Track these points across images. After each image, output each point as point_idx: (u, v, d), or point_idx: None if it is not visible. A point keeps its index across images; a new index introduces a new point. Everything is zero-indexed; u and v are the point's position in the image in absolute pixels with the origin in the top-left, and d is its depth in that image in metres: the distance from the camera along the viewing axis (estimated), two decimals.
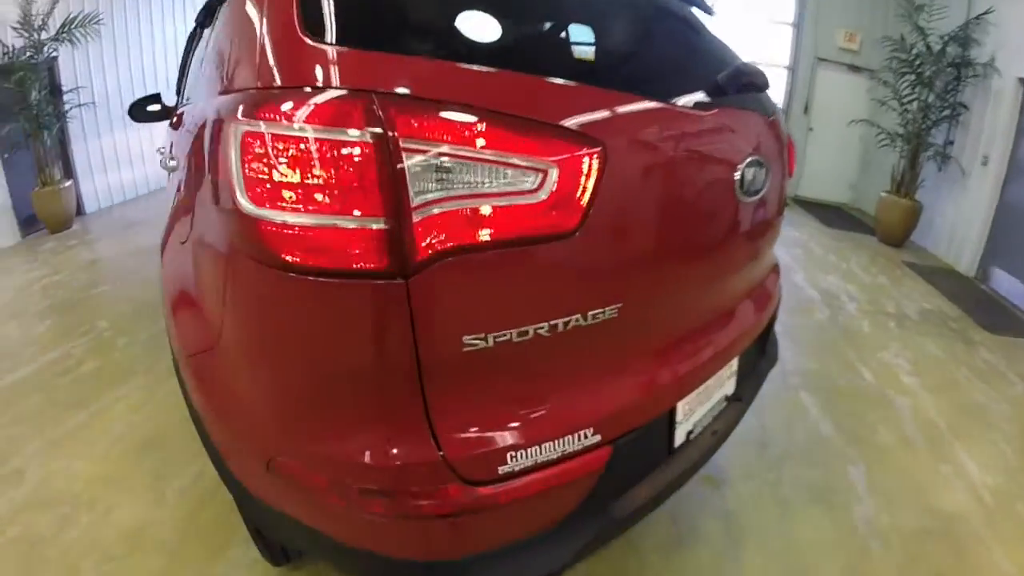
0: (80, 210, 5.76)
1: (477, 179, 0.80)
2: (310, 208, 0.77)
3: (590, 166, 0.89)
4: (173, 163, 1.68)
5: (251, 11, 1.00)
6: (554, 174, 0.85)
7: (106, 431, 2.31)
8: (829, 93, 6.52)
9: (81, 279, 4.18)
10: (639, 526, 1.79)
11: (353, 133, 0.75)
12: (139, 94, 5.91)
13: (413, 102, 0.79)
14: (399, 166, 0.76)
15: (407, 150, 0.76)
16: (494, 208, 0.82)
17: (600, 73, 1.08)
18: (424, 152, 0.77)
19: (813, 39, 6.41)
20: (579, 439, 0.97)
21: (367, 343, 0.82)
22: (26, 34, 4.87)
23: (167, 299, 1.46)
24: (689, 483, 1.92)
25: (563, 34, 1.14)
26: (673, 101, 1.08)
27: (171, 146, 1.89)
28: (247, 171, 0.80)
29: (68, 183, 5.40)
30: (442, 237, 0.79)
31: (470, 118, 0.80)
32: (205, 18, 1.84)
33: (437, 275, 0.80)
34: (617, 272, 1.00)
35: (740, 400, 1.48)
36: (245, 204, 0.81)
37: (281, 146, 0.77)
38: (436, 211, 0.79)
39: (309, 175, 0.76)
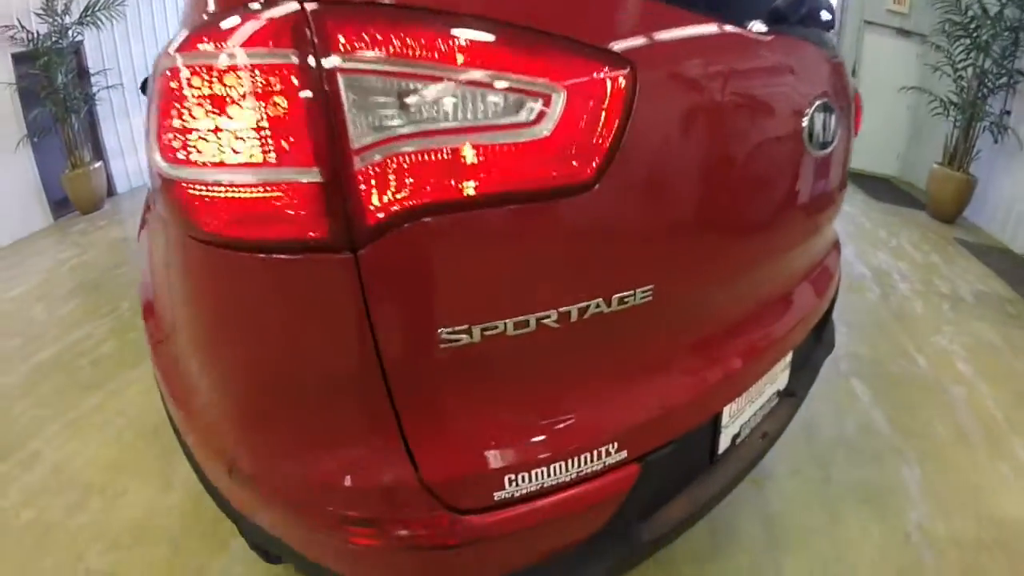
0: (111, 191, 5.80)
1: (448, 109, 0.57)
2: (228, 160, 0.58)
3: (614, 93, 0.64)
4: None
5: None
6: (560, 102, 0.61)
7: (120, 413, 2.28)
8: (876, 58, 6.06)
9: (107, 260, 4.19)
10: None
11: (269, 55, 0.55)
12: None
13: (357, 10, 0.57)
14: (334, 94, 0.55)
15: (346, 71, 0.55)
16: (476, 149, 0.59)
17: None
18: (369, 73, 0.55)
19: (860, 1, 5.95)
20: (599, 457, 0.77)
21: (310, 336, 0.64)
22: (50, 19, 4.84)
23: (141, 286, 1.32)
24: None
25: None
26: (727, 22, 0.82)
27: None
28: (162, 119, 0.62)
29: (98, 164, 5.43)
30: (403, 192, 0.58)
31: (435, 26, 0.57)
32: None
33: (399, 245, 0.59)
34: (650, 241, 0.74)
35: (793, 396, 1.27)
36: (160, 161, 0.64)
37: (191, 83, 0.58)
38: (392, 156, 0.57)
39: (223, 117, 0.57)
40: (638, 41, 0.68)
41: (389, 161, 0.57)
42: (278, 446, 0.73)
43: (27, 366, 2.74)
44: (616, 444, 0.78)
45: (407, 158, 0.57)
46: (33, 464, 2.04)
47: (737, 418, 1.06)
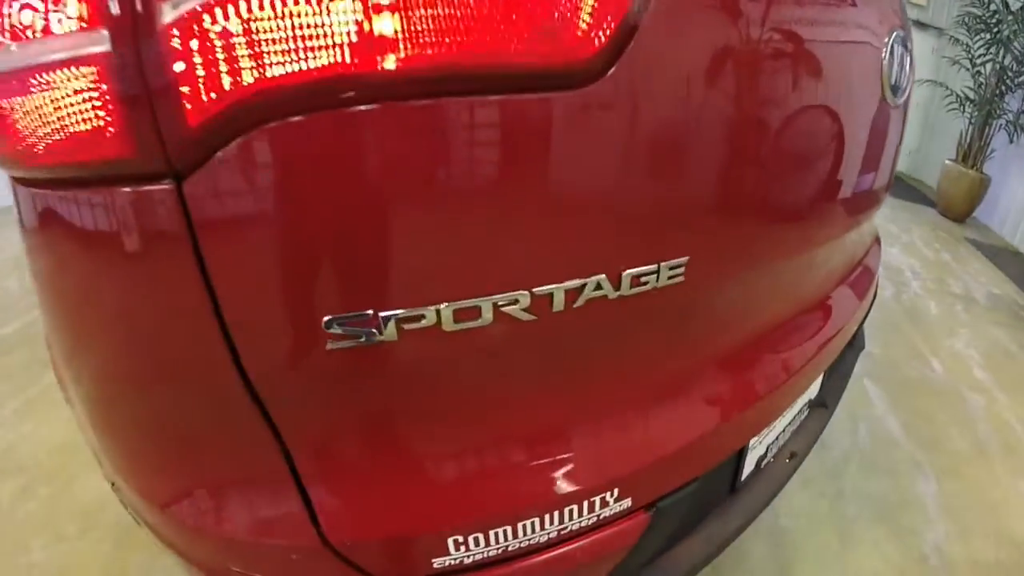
0: None
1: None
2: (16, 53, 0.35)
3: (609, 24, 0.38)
4: None
5: None
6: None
7: None
8: None
9: None
10: None
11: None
12: None
13: None
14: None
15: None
16: None
17: None
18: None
19: None
20: (593, 509, 0.55)
21: (138, 321, 0.42)
22: None
23: None
24: None
25: None
26: None
27: None
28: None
29: None
30: (250, 72, 0.33)
31: None
32: None
33: (248, 167, 0.35)
34: (680, 189, 0.48)
35: (824, 407, 1.09)
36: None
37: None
38: (227, 10, 0.32)
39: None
40: None
41: (219, 18, 0.32)
42: (148, 476, 0.52)
43: None
44: (617, 490, 0.56)
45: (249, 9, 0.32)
46: None
47: (764, 439, 0.86)
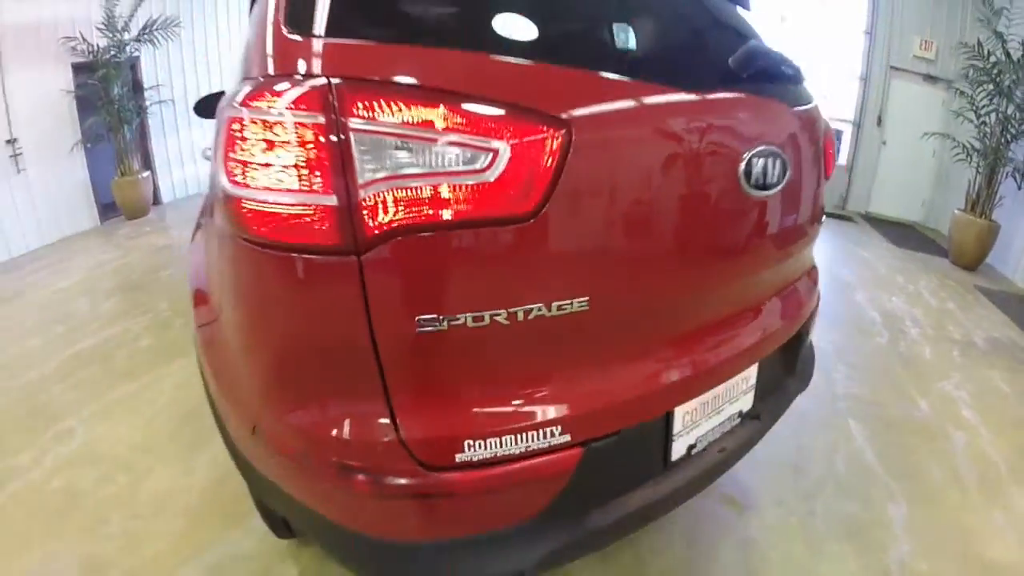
0: (157, 199, 6.16)
1: (426, 158, 0.79)
2: (273, 186, 0.79)
3: (550, 148, 0.83)
4: (210, 152, 1.77)
5: (258, 7, 1.03)
6: (505, 154, 0.81)
7: (151, 402, 2.46)
8: (903, 104, 6.11)
9: (149, 263, 4.46)
10: (649, 544, 1.72)
11: (305, 115, 0.77)
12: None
13: (365, 85, 0.79)
14: (347, 145, 0.77)
15: (356, 130, 0.77)
16: (444, 187, 0.80)
17: (578, 52, 0.99)
18: (372, 132, 0.77)
19: (886, 47, 6.03)
20: (545, 437, 0.92)
21: (326, 318, 0.84)
22: (110, 34, 5.27)
23: (188, 281, 1.53)
24: (711, 504, 1.86)
25: (537, 10, 1.02)
26: (669, 83, 1.00)
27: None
28: (228, 152, 0.83)
29: (146, 174, 5.80)
30: (393, 215, 0.78)
31: (418, 98, 0.79)
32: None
33: (389, 252, 0.80)
34: (585, 263, 0.92)
35: (757, 418, 1.36)
36: (225, 183, 0.84)
37: (249, 129, 0.80)
38: (386, 189, 0.78)
39: (271, 155, 0.79)
40: (574, 104, 0.87)
41: (383, 193, 0.78)
42: (293, 408, 0.91)
43: (70, 352, 2.97)
44: (560, 428, 0.93)
45: (396, 191, 0.78)
46: (66, 439, 2.23)
47: (692, 429, 1.17)
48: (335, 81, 0.78)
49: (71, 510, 1.86)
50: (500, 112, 0.82)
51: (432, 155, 0.79)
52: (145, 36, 5.50)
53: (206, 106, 2.08)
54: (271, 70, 0.85)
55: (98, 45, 5.20)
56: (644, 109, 0.95)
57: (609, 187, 0.91)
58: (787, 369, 1.49)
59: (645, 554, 1.68)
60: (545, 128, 0.83)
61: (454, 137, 0.79)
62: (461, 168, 0.80)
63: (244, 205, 0.81)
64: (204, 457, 2.07)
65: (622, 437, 1.00)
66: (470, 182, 0.80)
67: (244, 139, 0.80)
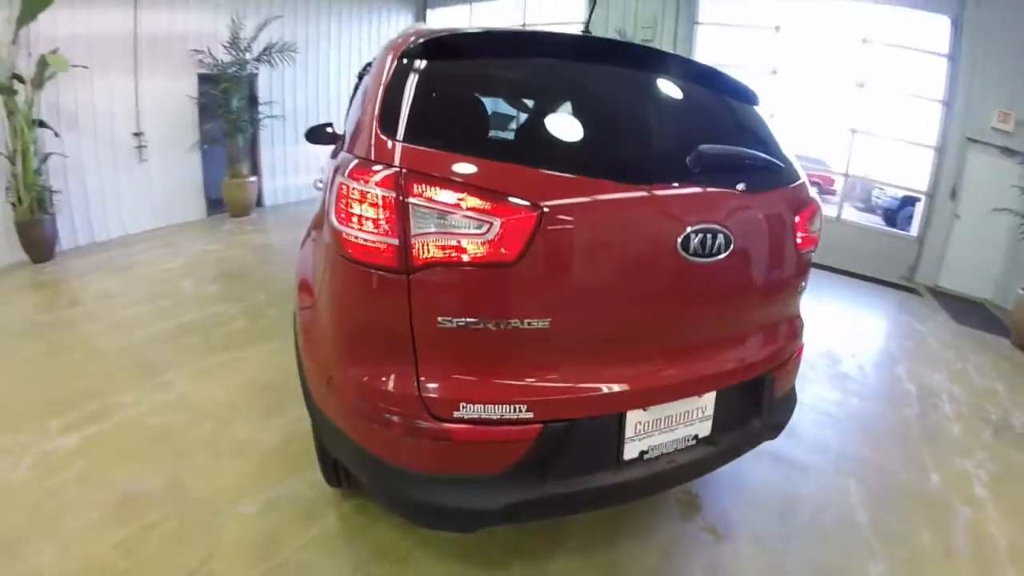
0: (260, 202, 7.03)
1: (453, 223, 1.26)
2: (363, 228, 1.28)
3: (526, 222, 1.29)
4: (321, 184, 2.27)
5: (367, 100, 1.49)
6: (498, 225, 1.27)
7: (240, 372, 2.98)
8: (979, 177, 5.95)
9: (250, 257, 5.15)
10: (629, 550, 1.96)
11: (384, 191, 1.27)
12: (319, 115, 7.23)
13: (421, 176, 1.27)
14: (407, 210, 1.25)
15: (413, 204, 1.26)
16: (462, 241, 1.27)
17: (557, 160, 1.41)
18: (422, 205, 1.26)
19: (964, 118, 5.93)
20: (513, 411, 1.34)
21: (386, 311, 1.31)
22: (234, 52, 6.20)
23: (296, 275, 2.03)
24: (694, 528, 2.11)
25: (529, 133, 1.58)
26: (619, 180, 1.39)
27: (324, 171, 2.52)
28: (337, 203, 1.33)
29: (253, 179, 6.66)
30: (430, 254, 1.27)
31: (451, 187, 1.27)
32: (359, 79, 2.41)
33: (425, 275, 1.27)
34: (548, 296, 1.35)
35: (714, 445, 1.65)
36: (334, 221, 1.34)
37: (352, 192, 1.31)
38: (427, 238, 1.26)
39: (363, 209, 1.29)
40: (547, 194, 1.31)
41: (425, 241, 1.24)
42: (358, 368, 1.38)
43: (174, 322, 3.59)
44: (525, 406, 1.34)
45: (433, 241, 1.25)
46: (165, 389, 2.78)
47: (644, 438, 1.52)
48: (404, 171, 1.27)
49: (162, 443, 2.36)
50: (498, 199, 1.27)
51: (456, 222, 1.26)
52: (264, 57, 6.40)
53: (314, 134, 2.54)
54: (370, 156, 1.34)
55: (223, 60, 6.15)
56: (595, 197, 1.37)
57: (567, 248, 1.35)
58: (753, 409, 1.77)
59: (624, 558, 1.93)
60: (525, 211, 1.28)
61: (469, 213, 1.25)
62: (471, 231, 1.26)
63: (344, 236, 1.31)
64: (278, 421, 2.52)
65: (576, 425, 1.40)
66: (477, 239, 1.26)
67: (348, 197, 1.31)
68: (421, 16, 8.91)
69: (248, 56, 6.27)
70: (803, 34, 6.22)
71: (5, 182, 4.69)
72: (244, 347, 3.27)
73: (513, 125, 1.62)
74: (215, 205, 6.53)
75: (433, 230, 1.25)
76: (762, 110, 1.90)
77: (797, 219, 1.72)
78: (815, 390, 3.35)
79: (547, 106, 1.81)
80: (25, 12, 4.49)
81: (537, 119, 1.78)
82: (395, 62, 1.46)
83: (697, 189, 1.50)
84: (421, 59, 1.45)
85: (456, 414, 1.32)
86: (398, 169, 1.26)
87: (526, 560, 1.86)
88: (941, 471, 2.71)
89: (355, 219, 1.28)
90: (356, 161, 1.34)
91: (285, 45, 6.52)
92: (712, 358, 1.61)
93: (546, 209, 1.28)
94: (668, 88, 1.70)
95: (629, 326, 1.48)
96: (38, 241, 4.83)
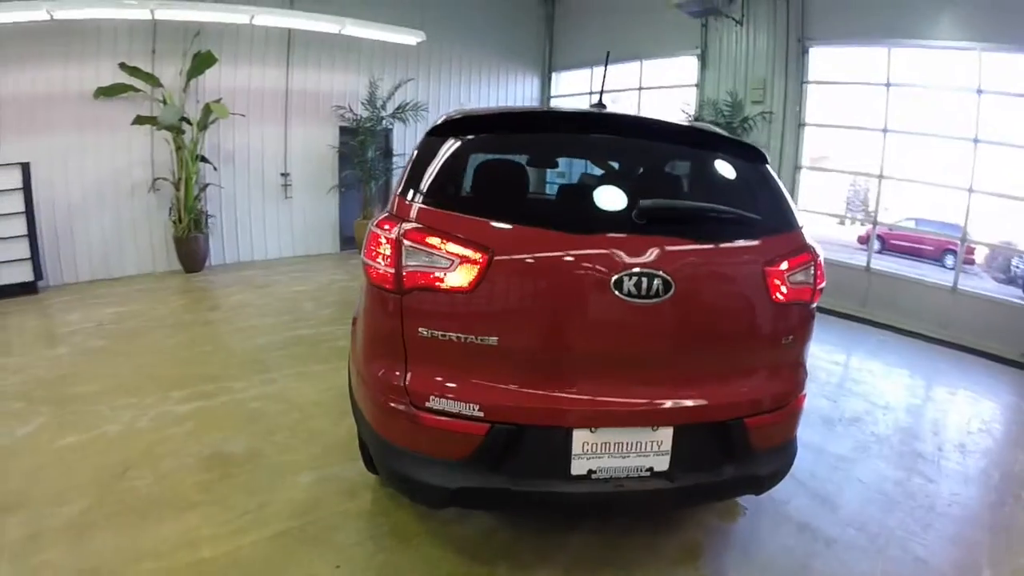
0: None
1: (431, 261, 1.68)
2: (379, 262, 1.74)
3: (478, 261, 1.67)
4: None
5: (403, 173, 1.98)
6: (458, 262, 1.67)
7: (332, 380, 3.59)
8: None
9: None
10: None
11: (390, 236, 1.72)
12: None
13: (414, 226, 1.72)
14: (402, 251, 1.69)
15: (406, 246, 1.70)
16: (434, 272, 1.67)
17: (521, 214, 1.79)
18: (411, 247, 1.69)
19: None
20: (469, 409, 1.69)
21: (389, 321, 1.75)
22: (371, 109, 7.36)
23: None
24: (684, 571, 2.19)
25: (510, 191, 1.98)
26: (560, 229, 1.71)
27: None
28: (367, 244, 1.81)
29: None
30: (414, 282, 1.69)
31: (433, 234, 1.68)
32: None
33: (411, 296, 1.70)
34: (497, 318, 1.70)
35: (669, 480, 1.81)
36: (363, 256, 1.83)
37: (376, 236, 1.78)
38: (413, 270, 1.69)
39: (380, 248, 1.75)
40: (498, 240, 1.68)
41: (413, 272, 1.68)
42: (374, 364, 1.83)
43: (290, 334, 4.41)
44: (478, 407, 1.68)
45: (416, 272, 1.68)
46: (269, 384, 3.50)
47: (592, 458, 1.74)
48: (403, 222, 1.74)
49: (255, 421, 3.02)
50: (461, 244, 1.67)
51: (432, 259, 1.67)
52: (398, 114, 7.49)
53: None
54: (392, 211, 1.83)
55: (361, 116, 7.33)
56: (537, 243, 1.71)
57: (511, 283, 1.71)
58: (723, 456, 1.87)
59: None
60: (480, 252, 1.67)
61: (441, 254, 1.67)
62: (441, 266, 1.67)
63: (369, 266, 1.79)
64: (349, 421, 2.94)
65: (524, 431, 1.70)
66: (444, 272, 1.67)
67: (374, 240, 1.78)
68: (547, 79, 9.71)
69: (383, 113, 7.40)
70: (916, 89, 5.91)
71: (169, 203, 6.12)
72: (340, 360, 3.85)
73: (491, 184, 1.95)
74: (347, 242, 7.68)
75: (416, 264, 1.68)
76: (758, 166, 2.05)
77: (771, 270, 1.84)
78: (876, 465, 3.13)
79: (521, 170, 2.14)
80: (194, 68, 5.93)
81: (509, 181, 2.07)
82: (423, 139, 1.96)
83: (636, 237, 1.73)
84: (434, 136, 1.92)
85: (427, 404, 1.71)
86: (401, 221, 1.74)
87: (513, 564, 2.08)
88: (996, 568, 2.39)
89: (375, 255, 1.75)
90: (383, 215, 1.84)
91: (417, 105, 7.60)
92: (667, 394, 1.79)
93: (495, 252, 1.66)
94: (644, 150, 2.01)
95: (570, 351, 1.75)
96: (192, 255, 6.19)
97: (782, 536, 2.42)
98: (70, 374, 3.55)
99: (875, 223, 6.46)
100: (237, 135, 6.61)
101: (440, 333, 1.69)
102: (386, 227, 1.74)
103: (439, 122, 1.97)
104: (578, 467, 1.74)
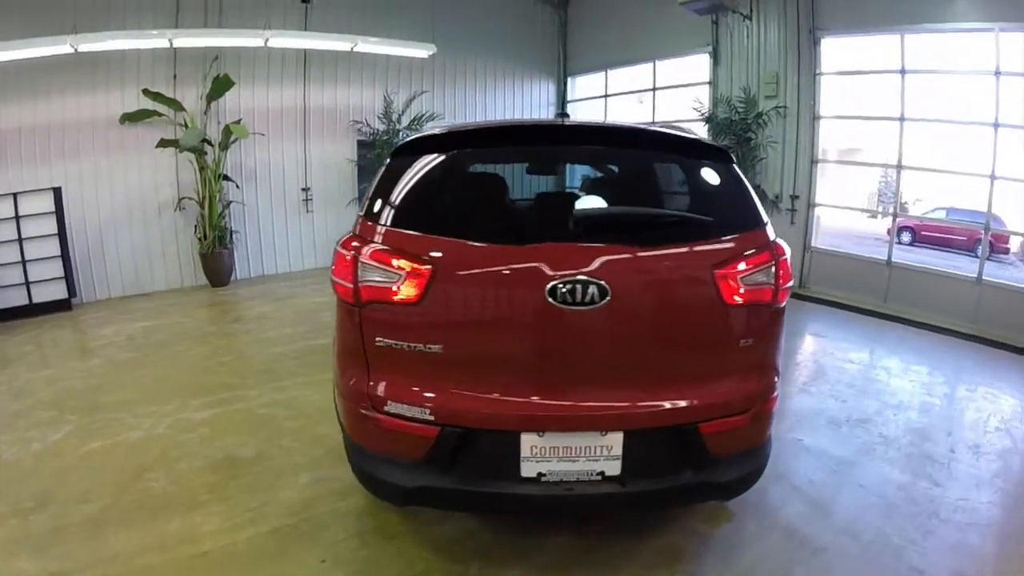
0: None
1: (383, 276, 1.81)
2: (341, 277, 1.87)
3: (422, 275, 1.78)
4: None
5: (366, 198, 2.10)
6: (404, 276, 1.79)
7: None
8: None
9: None
10: None
11: (350, 254, 1.85)
12: None
13: (368, 243, 1.86)
14: (358, 266, 1.82)
15: (361, 262, 1.83)
16: (386, 286, 1.80)
17: (463, 228, 1.86)
18: (364, 263, 1.82)
19: None
20: (421, 413, 1.82)
21: (353, 332, 1.89)
22: (386, 122, 7.61)
23: None
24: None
25: (454, 205, 2.06)
26: (495, 242, 1.81)
27: None
28: (334, 261, 1.93)
29: None
30: (368, 295, 1.82)
31: (384, 251, 1.81)
32: None
33: (368, 309, 1.84)
34: (442, 328, 1.82)
35: (621, 485, 1.85)
36: (331, 274, 1.95)
37: (339, 254, 1.90)
38: (368, 284, 1.82)
39: (341, 266, 1.88)
40: (440, 254, 1.79)
41: (367, 287, 1.82)
42: (345, 375, 1.97)
43: (306, 344, 4.65)
44: (428, 411, 1.80)
45: (370, 285, 1.82)
46: (281, 391, 3.72)
47: (541, 461, 1.81)
48: (359, 240, 1.88)
49: (265, 426, 3.24)
50: (408, 259, 1.79)
51: (382, 273, 1.80)
52: (414, 126, 7.67)
53: None
54: (355, 232, 1.96)
55: (378, 129, 7.59)
56: (477, 256, 1.82)
57: (454, 294, 1.82)
58: (681, 462, 1.90)
59: None
60: (423, 266, 1.78)
61: (390, 268, 1.79)
62: (390, 279, 1.80)
63: (335, 282, 1.91)
64: None
65: (473, 435, 1.80)
66: (392, 285, 1.79)
67: (339, 257, 1.90)
68: (562, 84, 9.80)
69: (399, 126, 7.62)
70: (932, 75, 5.78)
71: (195, 221, 6.49)
72: None
73: (438, 202, 2.03)
74: None
75: (370, 279, 1.81)
76: (721, 166, 2.04)
77: (723, 271, 1.82)
78: (880, 469, 2.98)
79: (467, 185, 2.24)
80: (213, 91, 6.29)
81: (456, 197, 2.15)
82: (387, 162, 2.09)
83: (572, 246, 1.79)
84: (393, 159, 2.06)
85: (385, 408, 1.84)
86: (359, 239, 1.88)
87: (487, 563, 2.17)
88: None
89: (339, 271, 1.88)
90: (347, 235, 1.98)
91: (432, 116, 7.83)
92: (615, 399, 1.82)
93: (438, 266, 1.78)
94: (598, 157, 2.08)
95: (513, 358, 1.84)
96: (217, 270, 6.55)
97: (767, 543, 2.37)
98: (99, 385, 3.85)
99: (895, 214, 6.32)
100: (258, 153, 6.97)
101: (394, 342, 1.81)
102: (347, 246, 1.88)
103: (397, 145, 2.10)
104: (528, 470, 1.82)
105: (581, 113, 9.62)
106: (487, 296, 1.83)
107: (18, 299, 5.43)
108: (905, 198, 13.09)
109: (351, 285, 1.83)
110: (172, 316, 5.50)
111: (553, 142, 2.20)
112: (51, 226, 5.53)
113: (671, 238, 1.88)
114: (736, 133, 6.65)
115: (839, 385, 4.09)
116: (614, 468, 1.84)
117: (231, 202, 6.71)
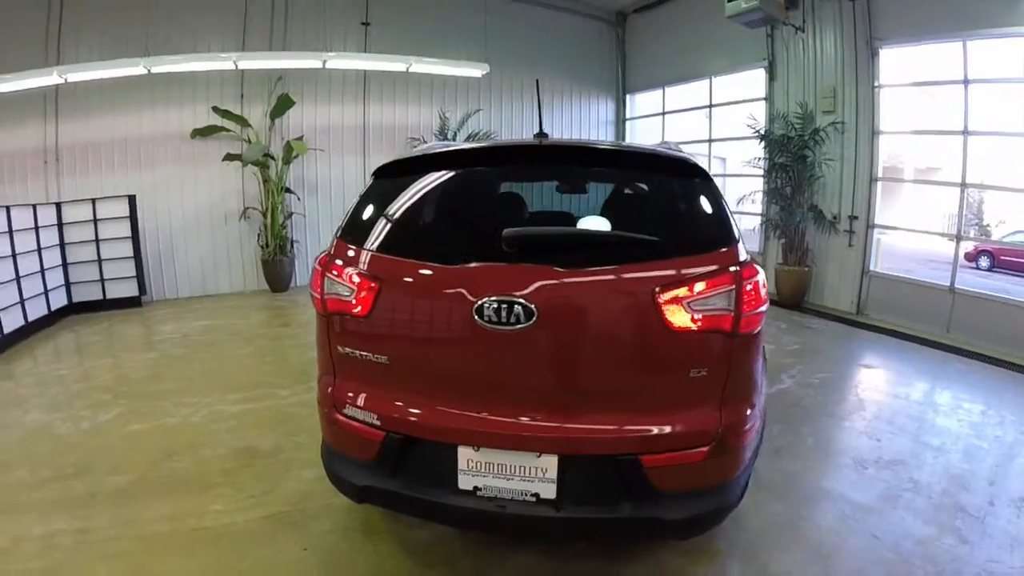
0: None
1: (343, 290, 1.98)
2: (314, 289, 2.07)
3: (370, 289, 1.94)
4: None
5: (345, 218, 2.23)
6: (355, 290, 1.96)
7: None
8: None
9: None
10: None
11: (318, 268, 2.06)
12: None
13: (333, 260, 2.05)
14: (326, 281, 2.02)
15: (327, 275, 2.02)
16: (347, 299, 1.97)
17: (409, 247, 1.98)
18: (329, 277, 2.01)
19: None
20: (368, 417, 1.98)
21: (324, 341, 2.09)
22: (441, 139, 7.88)
23: None
24: None
25: (408, 225, 2.12)
26: (432, 261, 1.91)
27: None
28: (312, 277, 2.10)
29: None
30: (332, 307, 2.01)
31: (343, 268, 1.99)
32: None
33: (332, 319, 2.03)
34: (386, 340, 1.98)
35: (555, 509, 1.82)
36: (310, 287, 2.13)
37: (316, 270, 2.07)
38: (331, 296, 2.01)
39: (315, 279, 2.07)
40: (387, 272, 1.94)
41: (331, 299, 2.02)
42: (322, 381, 2.17)
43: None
44: (376, 416, 1.96)
45: (332, 298, 2.02)
46: (309, 391, 3.98)
47: (477, 475, 1.86)
48: (328, 257, 2.07)
49: (287, 422, 3.52)
50: (361, 276, 1.95)
51: (340, 287, 1.98)
52: (473, 141, 7.99)
53: None
54: (329, 250, 2.12)
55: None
56: (415, 274, 1.95)
57: (397, 309, 1.97)
58: (619, 493, 1.82)
59: None
60: (372, 282, 1.94)
61: (348, 284, 1.97)
62: (347, 293, 1.97)
63: (312, 295, 2.09)
64: None
65: (414, 442, 1.93)
66: (347, 298, 1.97)
67: (314, 272, 2.08)
68: (621, 101, 9.86)
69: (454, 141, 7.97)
70: (1002, 84, 5.36)
71: (258, 230, 7.08)
72: None
73: (397, 222, 2.10)
74: None
75: (332, 292, 2.01)
76: (690, 182, 2.00)
77: (668, 296, 1.73)
78: (901, 519, 2.66)
79: (425, 205, 2.20)
80: (276, 109, 6.85)
81: (410, 217, 2.14)
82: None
83: (501, 266, 1.83)
84: (372, 179, 2.25)
85: (343, 411, 2.03)
86: (329, 256, 2.08)
87: (451, 571, 2.26)
88: None
89: (314, 285, 2.07)
90: (322, 253, 2.13)
91: (486, 134, 8.13)
92: (548, 421, 1.83)
93: (383, 282, 1.93)
94: (562, 177, 2.21)
95: (447, 373, 1.94)
96: (277, 276, 7.10)
97: None
98: (151, 375, 4.33)
99: (959, 237, 5.87)
100: (319, 167, 7.52)
101: (351, 351, 2.00)
102: (321, 262, 2.08)
103: (378, 167, 2.29)
104: (464, 482, 1.88)
105: (640, 131, 9.68)
106: (423, 313, 1.99)
107: (94, 294, 6.17)
108: (987, 220, 12.02)
109: (319, 297, 2.04)
110: (228, 317, 6.04)
111: (525, 162, 2.31)
112: (125, 229, 6.24)
113: (608, 259, 1.82)
114: (792, 151, 6.47)
115: (877, 421, 3.77)
116: (549, 491, 1.83)
117: (292, 213, 7.28)
